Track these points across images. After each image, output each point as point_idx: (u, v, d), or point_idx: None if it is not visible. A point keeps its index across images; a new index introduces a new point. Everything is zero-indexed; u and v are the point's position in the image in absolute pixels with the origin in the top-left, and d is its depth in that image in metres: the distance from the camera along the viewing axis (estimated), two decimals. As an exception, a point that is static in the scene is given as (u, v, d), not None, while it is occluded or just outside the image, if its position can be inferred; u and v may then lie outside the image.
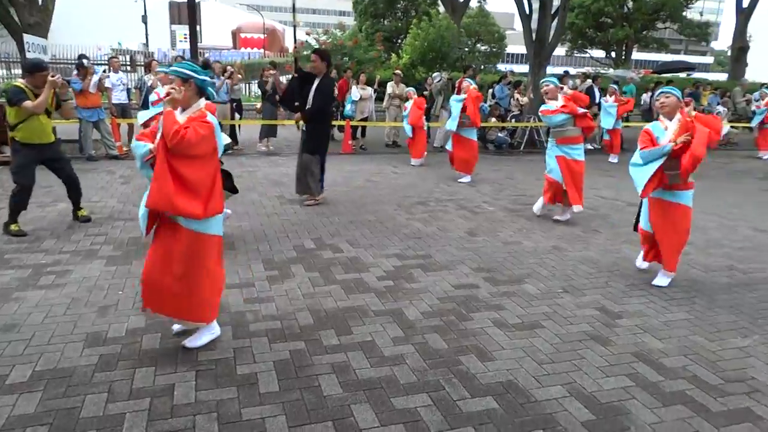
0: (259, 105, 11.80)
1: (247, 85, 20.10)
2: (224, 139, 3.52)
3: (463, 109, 8.35)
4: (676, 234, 4.54)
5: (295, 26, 6.92)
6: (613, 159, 11.67)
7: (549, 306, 4.13)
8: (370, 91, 12.16)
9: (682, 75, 28.49)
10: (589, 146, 12.54)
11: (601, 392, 3.01)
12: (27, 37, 9.29)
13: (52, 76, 5.19)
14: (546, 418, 2.76)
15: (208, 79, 3.24)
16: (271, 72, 10.93)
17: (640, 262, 4.97)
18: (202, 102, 3.24)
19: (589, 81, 14.09)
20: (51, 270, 4.48)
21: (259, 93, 11.81)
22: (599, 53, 35.88)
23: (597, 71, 25.34)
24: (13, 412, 2.66)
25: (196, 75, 3.16)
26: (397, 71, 13.08)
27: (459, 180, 8.76)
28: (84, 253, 4.88)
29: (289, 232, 5.74)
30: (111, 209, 6.37)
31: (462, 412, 2.79)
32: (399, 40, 26.73)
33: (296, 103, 6.85)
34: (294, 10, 7.33)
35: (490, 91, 13.71)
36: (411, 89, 10.75)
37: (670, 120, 4.42)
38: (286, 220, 6.23)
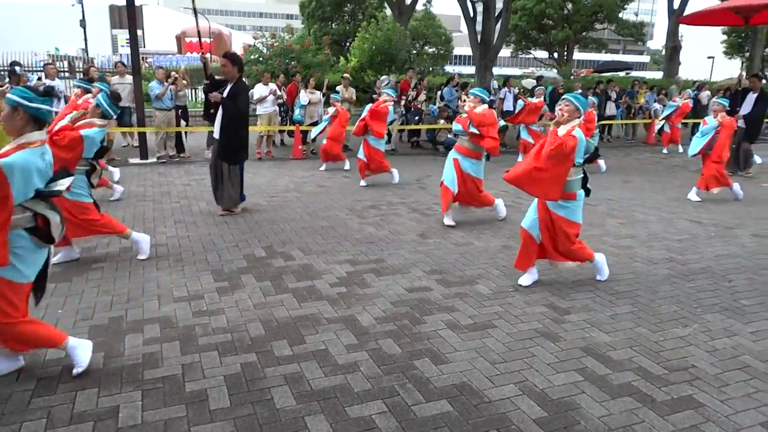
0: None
1: (193, 90, 19.64)
2: (61, 184, 3.04)
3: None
4: (562, 242, 4.52)
5: (197, 27, 6.59)
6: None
7: (500, 305, 4.19)
8: (319, 95, 12.09)
9: (622, 74, 29.65)
10: None
11: (552, 389, 3.07)
12: (-48, 45, 8.79)
13: (1, 86, 5.01)
14: (500, 418, 2.80)
15: (42, 107, 2.93)
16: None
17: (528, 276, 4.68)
18: (36, 135, 2.91)
19: (533, 82, 14.43)
20: None
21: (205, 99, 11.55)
22: (543, 54, 36.91)
23: (541, 72, 26.02)
24: (-58, 447, 2.49)
25: (27, 103, 2.87)
26: (346, 75, 13.06)
27: (393, 181, 8.83)
28: (20, 272, 4.64)
29: (239, 242, 5.62)
30: (49, 224, 6.09)
31: (417, 417, 2.79)
32: (347, 44, 26.72)
33: (211, 111, 6.46)
34: (195, 12, 7.17)
35: (439, 93, 13.86)
36: (335, 96, 10.61)
37: (561, 125, 4.36)
38: (235, 228, 6.10)
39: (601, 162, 10.48)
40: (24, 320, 2.95)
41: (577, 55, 44.54)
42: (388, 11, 23.76)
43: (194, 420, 2.72)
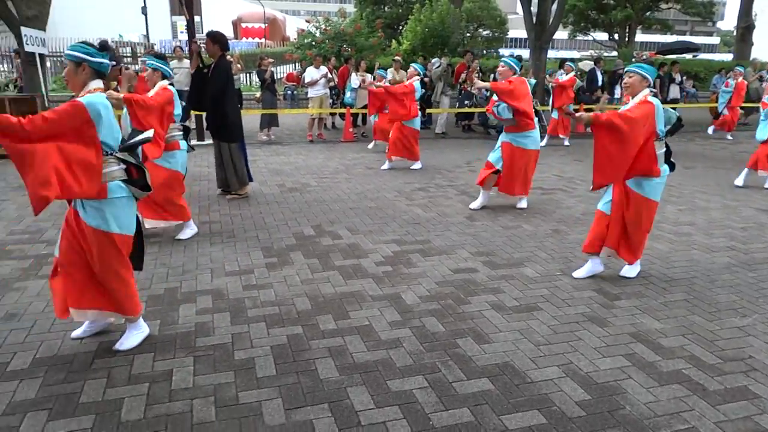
0: (258, 94, 11.78)
1: (247, 75, 20.05)
2: (146, 132, 3.26)
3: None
4: (636, 226, 4.22)
5: None
6: (566, 142, 11.40)
7: (547, 288, 4.13)
8: (370, 78, 12.09)
9: (688, 56, 28.07)
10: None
11: (597, 372, 3.02)
12: (25, 30, 9.27)
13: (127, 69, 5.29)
14: (541, 398, 2.77)
15: (105, 61, 3.02)
16: (270, 61, 10.90)
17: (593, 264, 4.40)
18: (96, 83, 3.01)
19: (590, 63, 14.01)
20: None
21: (259, 82, 11.76)
22: (603, 36, 35.46)
23: (600, 54, 25.09)
24: (15, 398, 2.70)
25: (90, 57, 2.97)
26: (397, 58, 13.00)
27: (411, 167, 8.59)
28: (85, 244, 4.91)
29: (289, 220, 5.75)
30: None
31: (457, 393, 2.80)
32: (400, 27, 26.51)
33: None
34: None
35: (492, 76, 13.60)
36: (380, 72, 10.79)
37: (633, 97, 4.10)
38: (286, 208, 6.24)
39: None
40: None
41: (640, 37, 42.70)
42: (443, -6, 23.38)
43: (242, 386, 2.83)
